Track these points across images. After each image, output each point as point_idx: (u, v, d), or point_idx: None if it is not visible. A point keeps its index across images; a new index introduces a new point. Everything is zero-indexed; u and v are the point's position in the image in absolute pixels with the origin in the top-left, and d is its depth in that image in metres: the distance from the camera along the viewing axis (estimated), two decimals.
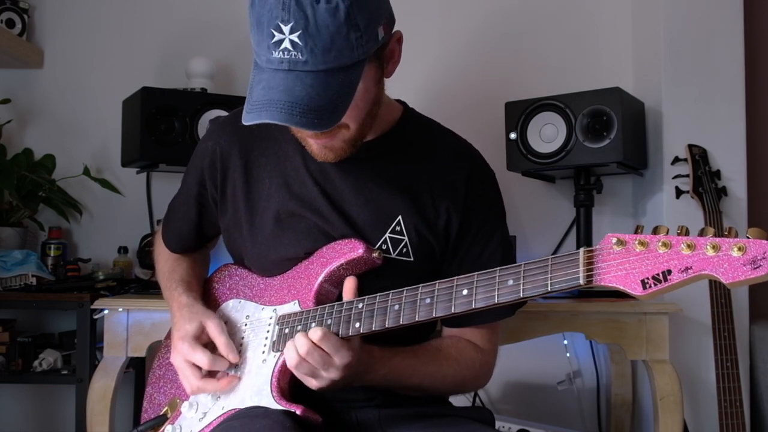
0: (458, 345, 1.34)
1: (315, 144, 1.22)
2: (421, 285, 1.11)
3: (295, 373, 1.18)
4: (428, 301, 1.09)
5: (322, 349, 1.13)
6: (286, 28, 1.06)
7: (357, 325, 1.15)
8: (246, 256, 1.39)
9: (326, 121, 1.10)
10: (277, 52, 1.07)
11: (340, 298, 1.26)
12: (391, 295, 1.14)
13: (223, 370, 1.27)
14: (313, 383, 1.18)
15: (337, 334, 1.16)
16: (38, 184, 2.43)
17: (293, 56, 1.07)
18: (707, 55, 2.34)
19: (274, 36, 1.07)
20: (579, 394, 2.54)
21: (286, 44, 1.06)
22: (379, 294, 1.15)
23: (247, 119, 1.09)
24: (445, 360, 1.31)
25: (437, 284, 1.10)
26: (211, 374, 1.28)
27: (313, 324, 1.20)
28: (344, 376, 1.16)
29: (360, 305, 1.16)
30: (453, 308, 1.06)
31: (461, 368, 1.32)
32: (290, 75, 1.08)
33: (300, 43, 1.06)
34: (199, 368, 1.26)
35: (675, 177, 2.28)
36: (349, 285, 1.22)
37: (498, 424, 2.13)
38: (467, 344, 1.34)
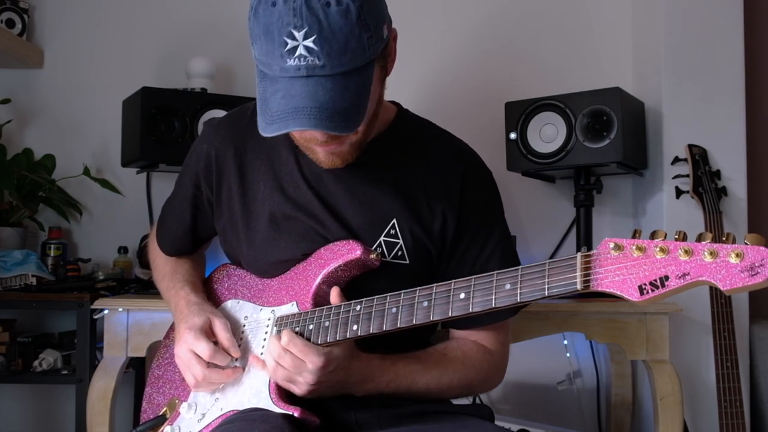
0: (464, 347, 1.33)
1: (322, 151, 1.20)
2: (418, 288, 1.11)
3: (276, 380, 1.20)
4: (425, 304, 1.09)
5: (291, 352, 1.15)
6: (299, 34, 1.04)
7: (354, 327, 1.15)
8: (242, 259, 1.39)
9: (353, 122, 1.09)
10: (292, 60, 1.05)
11: None
12: (388, 297, 1.14)
13: (223, 364, 1.27)
14: (294, 389, 1.19)
15: (311, 339, 1.18)
16: (38, 184, 2.43)
17: (310, 62, 1.04)
18: (707, 55, 2.34)
19: (287, 44, 1.04)
20: (579, 394, 2.54)
21: (301, 50, 1.04)
22: (376, 297, 1.15)
23: (271, 130, 1.07)
24: (451, 363, 1.30)
25: (435, 287, 1.09)
26: None
27: (311, 326, 1.20)
28: (326, 382, 1.17)
29: (358, 308, 1.16)
30: (450, 312, 1.06)
31: (468, 371, 1.32)
32: (310, 81, 1.05)
33: (316, 48, 1.04)
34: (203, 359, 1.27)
35: (675, 177, 2.27)
36: (335, 293, 1.22)
37: (498, 424, 2.13)
38: (474, 345, 1.34)
